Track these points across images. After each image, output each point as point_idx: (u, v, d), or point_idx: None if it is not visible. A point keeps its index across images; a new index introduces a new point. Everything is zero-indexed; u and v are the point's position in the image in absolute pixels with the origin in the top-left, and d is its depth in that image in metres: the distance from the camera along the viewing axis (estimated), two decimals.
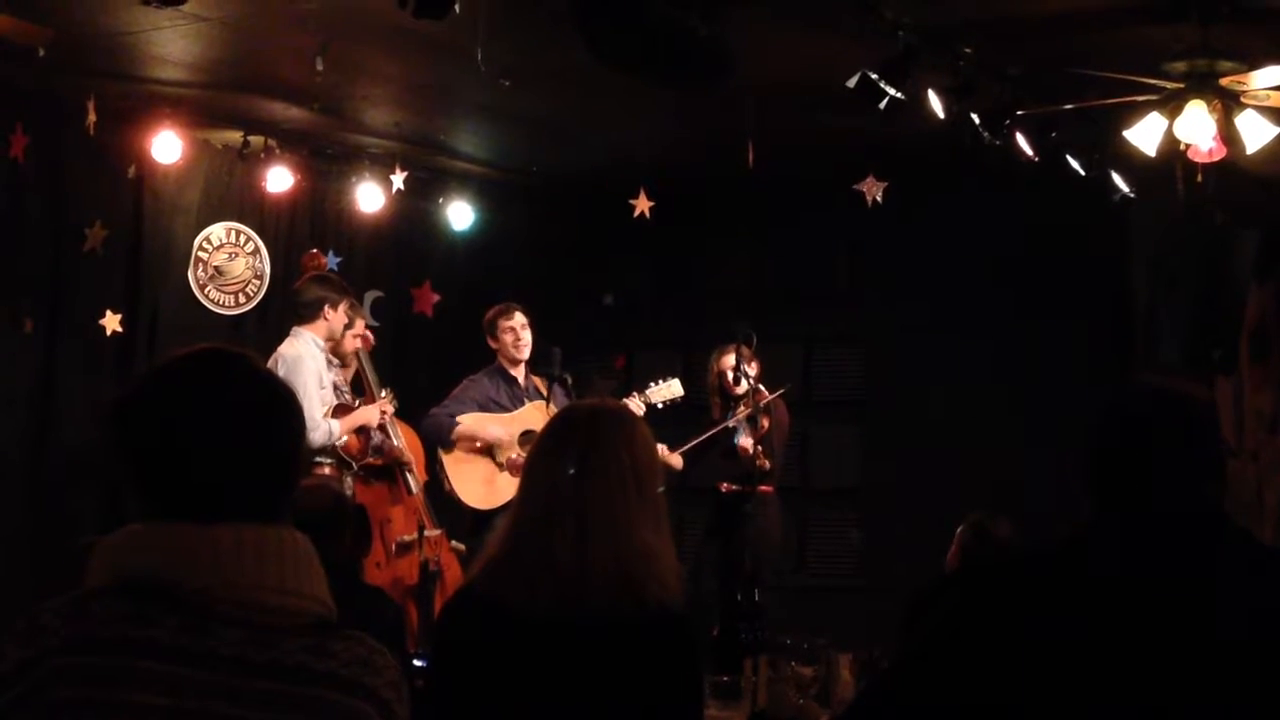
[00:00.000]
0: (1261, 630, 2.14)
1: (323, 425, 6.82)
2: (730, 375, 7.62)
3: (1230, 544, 2.24)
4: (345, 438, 6.96)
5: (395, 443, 7.22)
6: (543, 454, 2.69)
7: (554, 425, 2.80)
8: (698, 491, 7.81)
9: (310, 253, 7.94)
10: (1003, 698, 2.13)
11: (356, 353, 7.30)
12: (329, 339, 7.08)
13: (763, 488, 7.55)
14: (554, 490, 2.61)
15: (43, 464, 7.75)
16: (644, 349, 9.86)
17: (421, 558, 6.97)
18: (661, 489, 2.69)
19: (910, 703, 2.20)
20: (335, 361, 7.19)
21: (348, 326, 7.15)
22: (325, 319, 7.04)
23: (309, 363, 6.90)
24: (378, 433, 7.15)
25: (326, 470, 6.88)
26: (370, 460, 7.13)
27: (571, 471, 2.60)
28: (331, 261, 8.43)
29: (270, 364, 6.84)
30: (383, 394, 7.24)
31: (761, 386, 7.48)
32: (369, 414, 7.08)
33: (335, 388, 7.11)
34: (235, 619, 1.70)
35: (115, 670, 1.64)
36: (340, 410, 7.00)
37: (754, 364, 7.49)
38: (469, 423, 7.19)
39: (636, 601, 2.53)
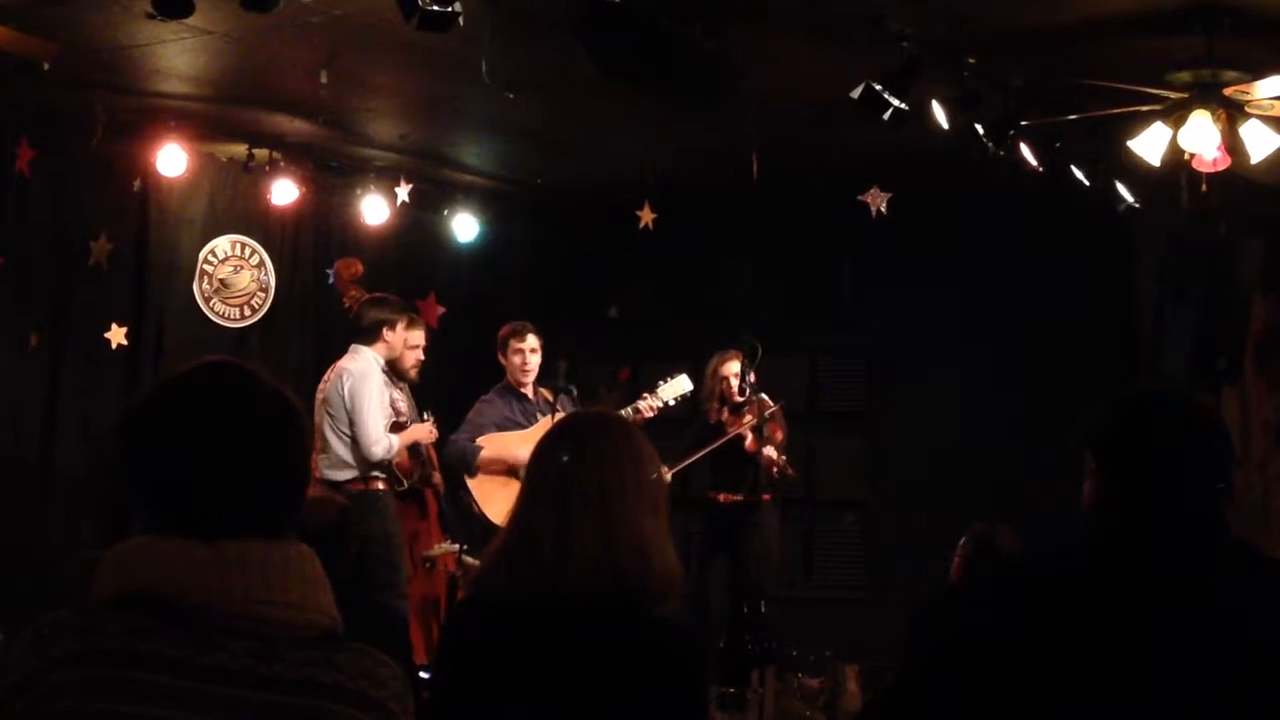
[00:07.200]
0: (1267, 636, 2.14)
1: (384, 440, 6.86)
2: (733, 381, 7.61)
3: (1236, 550, 2.25)
4: (399, 455, 6.98)
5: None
6: (538, 453, 2.72)
7: (553, 428, 2.85)
8: (694, 502, 7.82)
9: (345, 260, 7.96)
10: (1012, 706, 2.12)
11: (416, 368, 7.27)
12: (389, 358, 7.09)
13: (764, 496, 7.55)
14: (545, 481, 2.64)
15: (48, 477, 7.76)
16: (648, 360, 9.85)
17: (448, 572, 7.00)
18: (654, 477, 2.70)
19: (921, 712, 2.20)
20: (391, 380, 7.17)
21: (405, 343, 7.15)
22: (385, 340, 7.06)
23: (374, 378, 6.93)
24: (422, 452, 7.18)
25: (380, 486, 6.92)
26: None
27: (564, 459, 2.63)
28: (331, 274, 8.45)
29: (335, 378, 6.96)
30: (425, 416, 7.25)
31: (764, 395, 7.48)
32: (421, 432, 7.11)
33: (392, 405, 7.10)
34: (240, 632, 1.70)
35: (119, 683, 1.64)
36: (395, 428, 7.01)
37: (752, 374, 7.50)
38: (492, 447, 7.18)
39: (615, 577, 2.53)
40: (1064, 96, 6.59)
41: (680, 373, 7.55)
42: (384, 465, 6.92)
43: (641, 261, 9.58)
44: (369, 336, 7.06)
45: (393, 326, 7.07)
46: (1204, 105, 6.02)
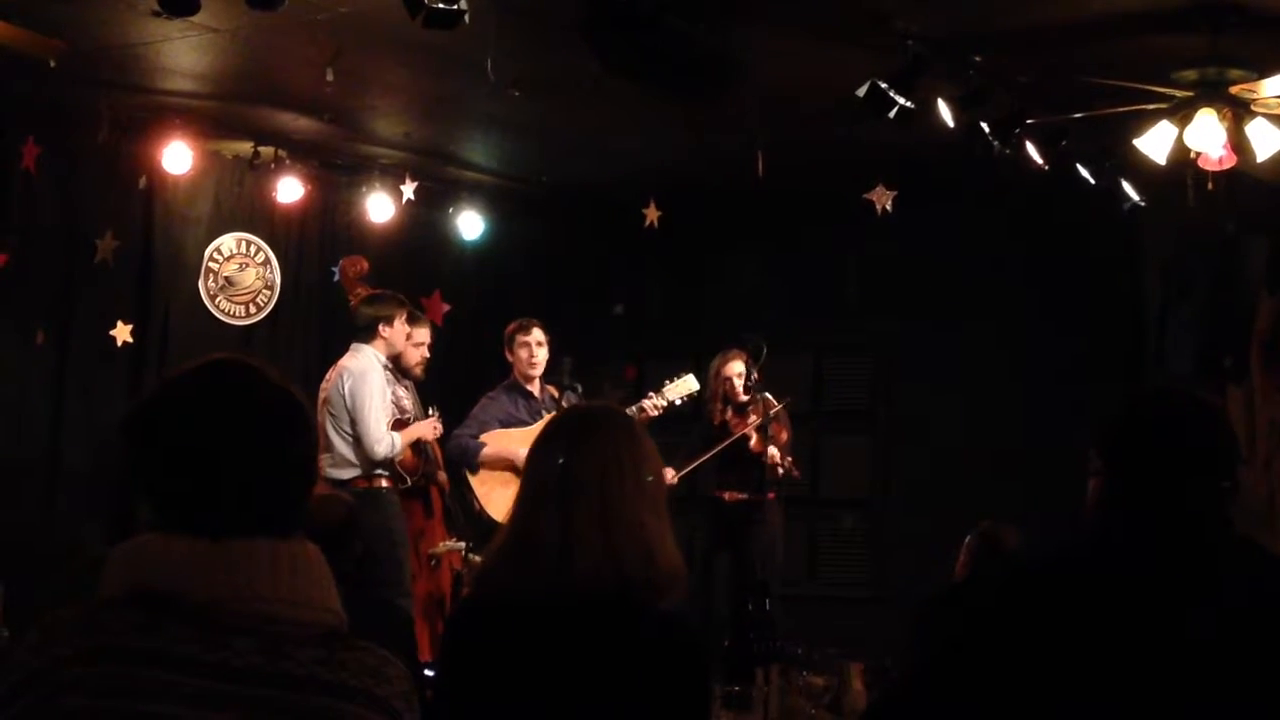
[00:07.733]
0: (1271, 635, 2.14)
1: (386, 438, 6.84)
2: (737, 382, 7.60)
3: (1241, 548, 2.25)
4: (403, 452, 6.97)
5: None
6: (538, 447, 2.72)
7: (552, 422, 2.85)
8: (698, 501, 7.81)
9: (350, 257, 7.96)
10: (1016, 704, 2.12)
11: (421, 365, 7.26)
12: (390, 354, 7.06)
13: (768, 495, 7.54)
14: (545, 477, 2.64)
15: (55, 474, 7.77)
16: (653, 359, 9.87)
17: (453, 570, 7.00)
18: (652, 478, 2.69)
19: (927, 709, 2.20)
20: (396, 376, 7.16)
21: (408, 338, 7.13)
22: (383, 336, 7.02)
23: (374, 376, 6.91)
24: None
25: (384, 484, 6.91)
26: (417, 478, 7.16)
27: (561, 460, 2.63)
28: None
29: (336, 377, 6.93)
30: (430, 411, 7.25)
31: (769, 395, 7.46)
32: (425, 429, 7.08)
33: (396, 402, 7.10)
34: (246, 629, 1.70)
35: (126, 680, 1.64)
36: (398, 425, 7.00)
37: (756, 373, 7.49)
38: (494, 444, 7.18)
39: (616, 571, 2.53)
40: (1069, 95, 6.58)
41: (687, 372, 7.54)
42: (388, 463, 6.92)
43: (646, 260, 9.58)
44: (367, 334, 7.04)
45: (389, 322, 7.04)
46: (1210, 104, 6.02)
